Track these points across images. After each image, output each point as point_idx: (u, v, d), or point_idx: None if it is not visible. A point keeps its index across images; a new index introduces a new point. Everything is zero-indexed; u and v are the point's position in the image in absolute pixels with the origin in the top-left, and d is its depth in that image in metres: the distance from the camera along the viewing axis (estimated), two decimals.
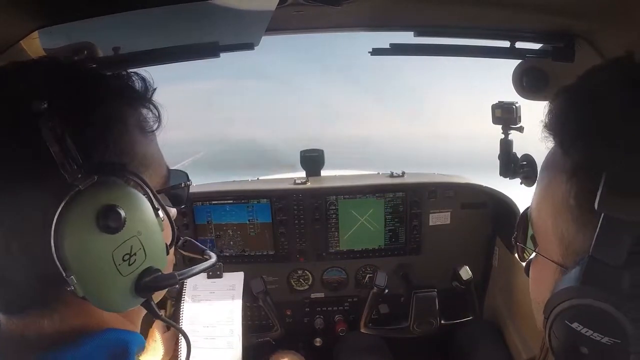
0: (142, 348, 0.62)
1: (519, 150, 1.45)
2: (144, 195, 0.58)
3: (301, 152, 2.01)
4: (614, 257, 0.46)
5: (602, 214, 0.46)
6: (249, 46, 1.18)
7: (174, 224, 0.68)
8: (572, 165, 0.52)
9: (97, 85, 0.60)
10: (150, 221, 0.58)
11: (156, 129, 0.65)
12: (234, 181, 2.07)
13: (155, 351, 1.48)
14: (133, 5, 0.86)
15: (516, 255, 0.71)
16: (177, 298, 1.65)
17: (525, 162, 1.41)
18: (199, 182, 2.06)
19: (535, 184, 0.62)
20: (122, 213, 0.53)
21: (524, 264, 0.70)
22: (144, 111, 0.64)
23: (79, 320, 0.57)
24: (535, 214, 0.61)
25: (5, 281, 0.54)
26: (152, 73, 0.66)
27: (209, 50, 1.14)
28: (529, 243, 0.64)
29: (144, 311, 0.65)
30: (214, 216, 1.87)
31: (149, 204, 0.58)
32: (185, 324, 1.57)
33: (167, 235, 0.66)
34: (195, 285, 1.64)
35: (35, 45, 0.89)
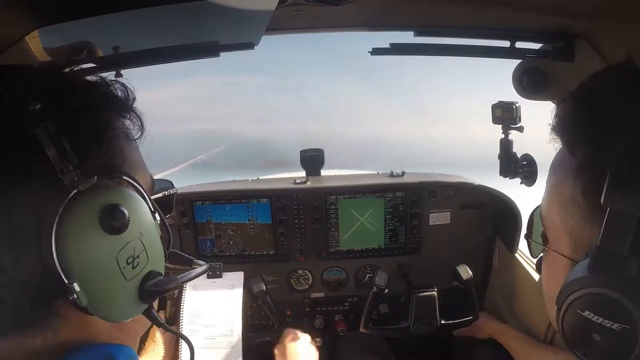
0: None
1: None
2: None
3: (301, 151, 2.01)
4: (619, 247, 0.50)
5: (608, 209, 0.50)
6: (249, 45, 1.19)
7: (168, 228, 0.67)
8: (578, 165, 0.56)
9: (87, 91, 0.59)
10: (150, 223, 0.57)
11: (139, 137, 0.64)
12: (234, 181, 2.07)
13: (155, 352, 1.48)
14: (133, 5, 0.86)
15: (529, 253, 0.73)
16: (176, 298, 1.65)
17: (525, 162, 1.41)
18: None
19: (545, 184, 0.65)
20: (126, 212, 0.52)
21: (535, 260, 0.72)
22: (127, 119, 0.63)
23: (72, 335, 0.54)
24: (545, 211, 0.64)
25: None
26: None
27: (209, 50, 1.15)
28: (540, 240, 0.67)
29: (140, 325, 0.64)
30: (213, 216, 1.87)
31: (146, 206, 0.58)
32: (186, 324, 1.57)
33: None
34: (195, 285, 1.64)
35: (36, 44, 0.89)
